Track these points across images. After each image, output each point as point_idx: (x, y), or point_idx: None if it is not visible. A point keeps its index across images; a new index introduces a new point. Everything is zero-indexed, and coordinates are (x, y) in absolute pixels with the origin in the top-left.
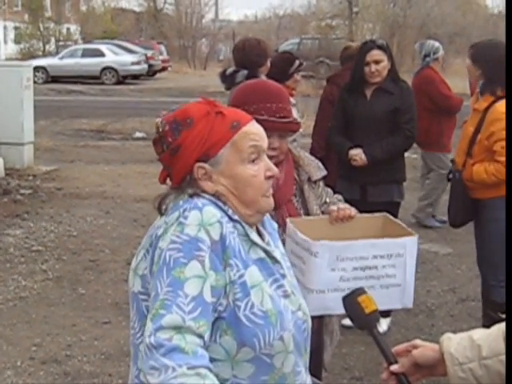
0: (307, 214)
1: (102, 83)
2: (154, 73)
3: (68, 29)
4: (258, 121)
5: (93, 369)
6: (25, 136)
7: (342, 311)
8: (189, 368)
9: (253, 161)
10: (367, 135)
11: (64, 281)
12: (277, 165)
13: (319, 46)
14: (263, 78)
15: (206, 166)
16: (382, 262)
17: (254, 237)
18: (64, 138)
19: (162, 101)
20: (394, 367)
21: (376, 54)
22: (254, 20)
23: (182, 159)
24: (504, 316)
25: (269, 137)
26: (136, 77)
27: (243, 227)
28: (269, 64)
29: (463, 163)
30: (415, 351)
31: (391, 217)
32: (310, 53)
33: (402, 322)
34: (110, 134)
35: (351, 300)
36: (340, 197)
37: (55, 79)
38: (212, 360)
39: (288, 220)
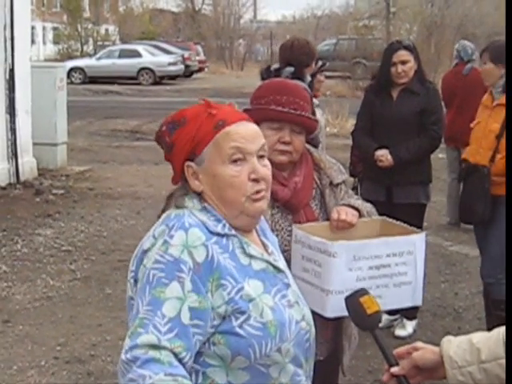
0: (327, 218)
1: (139, 84)
2: (191, 73)
3: (106, 29)
4: (262, 111)
5: (116, 369)
6: (58, 136)
7: None
8: (166, 374)
9: (235, 161)
10: (393, 136)
11: (92, 281)
12: (291, 163)
13: (356, 47)
14: (308, 78)
15: (192, 164)
16: (395, 260)
17: (252, 250)
18: (99, 138)
19: (197, 101)
20: (394, 369)
21: (402, 54)
22: (291, 20)
23: (175, 157)
24: None
25: (280, 129)
26: (173, 77)
27: (240, 241)
28: (313, 66)
29: (490, 159)
30: (416, 353)
31: (390, 219)
32: (346, 53)
33: (429, 324)
34: (144, 135)
35: (353, 301)
36: (359, 200)
37: (92, 80)
38: (207, 365)
39: (294, 227)
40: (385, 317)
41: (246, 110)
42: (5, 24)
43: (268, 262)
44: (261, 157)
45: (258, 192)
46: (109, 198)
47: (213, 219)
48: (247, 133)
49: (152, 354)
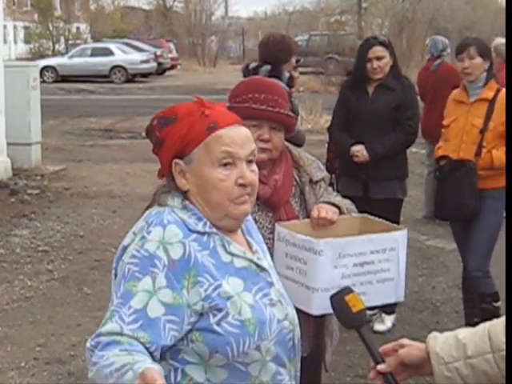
0: (307, 215)
1: (112, 82)
2: (164, 71)
3: (78, 28)
4: (241, 109)
5: None
6: (32, 136)
7: None
8: (121, 350)
9: (224, 165)
10: (369, 131)
11: (70, 281)
12: (271, 161)
13: (328, 42)
14: (286, 74)
15: (181, 162)
16: (378, 257)
17: (233, 249)
18: (72, 137)
19: (171, 98)
20: (380, 366)
21: (378, 50)
22: (263, 17)
23: (163, 153)
24: (498, 304)
25: (258, 127)
26: (145, 75)
27: (221, 239)
28: (293, 61)
29: (475, 153)
30: (402, 350)
31: (370, 216)
32: (318, 49)
33: (407, 318)
34: (118, 133)
35: (338, 299)
36: (338, 197)
37: (65, 78)
38: (186, 362)
39: (277, 225)
40: None
41: None
42: None
43: (250, 260)
44: (249, 161)
45: (241, 197)
46: (84, 197)
47: (194, 218)
48: (239, 137)
49: (113, 338)
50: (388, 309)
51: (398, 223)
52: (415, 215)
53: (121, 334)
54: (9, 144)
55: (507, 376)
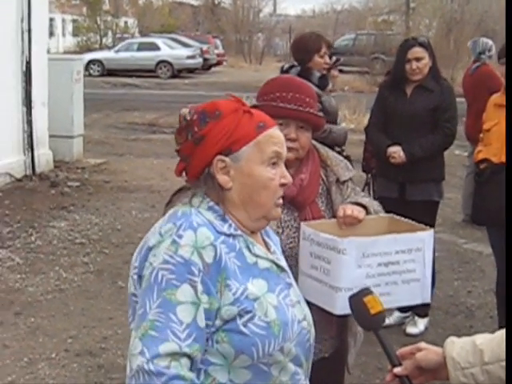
0: (333, 216)
1: (157, 77)
2: (209, 67)
3: (125, 22)
4: (268, 107)
5: (126, 362)
6: (74, 129)
7: None
8: None
9: (272, 164)
10: (407, 133)
11: (104, 274)
12: (297, 160)
13: (374, 42)
14: (317, 74)
15: (226, 159)
16: (404, 257)
17: (257, 250)
18: (116, 131)
19: (215, 95)
20: (397, 369)
21: (417, 51)
22: (311, 15)
23: (204, 150)
24: None
25: (285, 126)
26: (191, 71)
27: (246, 241)
28: (318, 59)
29: None
30: (419, 354)
31: (397, 216)
32: (364, 48)
33: (440, 322)
34: (161, 128)
35: (357, 300)
36: (366, 197)
37: (111, 72)
38: (209, 363)
39: (302, 224)
40: (396, 314)
41: (253, 107)
42: (22, 16)
43: (272, 261)
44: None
45: (280, 198)
46: (124, 190)
47: (219, 219)
48: (282, 138)
49: (175, 369)
50: (421, 311)
51: (433, 226)
52: (454, 218)
53: (179, 353)
54: (51, 136)
55: (507, 376)
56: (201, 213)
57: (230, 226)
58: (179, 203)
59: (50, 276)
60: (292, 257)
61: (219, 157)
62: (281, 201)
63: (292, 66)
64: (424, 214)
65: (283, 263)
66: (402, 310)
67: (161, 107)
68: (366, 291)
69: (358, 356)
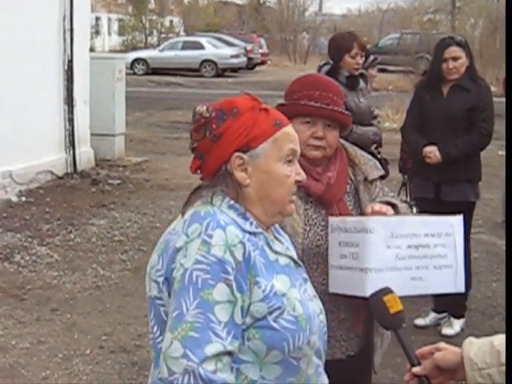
0: (361, 214)
1: (201, 76)
2: (254, 66)
3: (171, 21)
4: (295, 106)
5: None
6: (116, 127)
7: (400, 293)
8: None
9: (288, 161)
10: (443, 133)
11: (141, 271)
12: (325, 158)
13: (419, 41)
14: (345, 73)
15: (244, 156)
16: (434, 241)
17: (277, 247)
18: (158, 129)
19: (259, 94)
20: (416, 369)
21: (454, 50)
22: (357, 14)
23: (222, 147)
24: None
25: (312, 124)
26: (235, 70)
27: (266, 238)
28: (348, 59)
29: None
30: (437, 354)
31: (427, 216)
32: (409, 48)
33: (477, 323)
34: None
35: (376, 299)
36: (396, 198)
37: (155, 71)
38: (241, 361)
39: (330, 218)
40: (432, 315)
41: (279, 105)
42: (64, 15)
43: (291, 257)
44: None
45: (293, 194)
46: (164, 189)
47: (240, 217)
48: (297, 136)
49: (222, 374)
50: (457, 312)
51: (469, 227)
52: (495, 219)
53: (224, 352)
54: (93, 135)
55: (507, 376)
56: (223, 212)
57: (252, 223)
58: (199, 202)
59: (88, 273)
60: (319, 254)
61: (237, 154)
62: (294, 197)
63: (325, 64)
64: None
65: (298, 259)
66: (437, 310)
67: None
68: (385, 290)
69: (392, 356)
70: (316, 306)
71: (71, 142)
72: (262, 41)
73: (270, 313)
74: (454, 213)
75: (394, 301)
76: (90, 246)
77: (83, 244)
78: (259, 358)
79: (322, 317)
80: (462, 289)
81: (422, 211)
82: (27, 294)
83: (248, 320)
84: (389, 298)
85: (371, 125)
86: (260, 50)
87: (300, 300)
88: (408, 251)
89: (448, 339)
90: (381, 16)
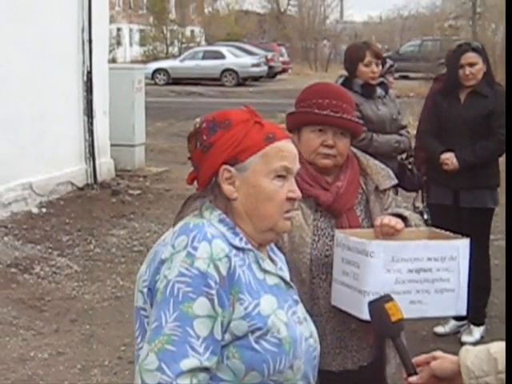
0: (372, 225)
1: (222, 85)
2: (275, 75)
3: (192, 31)
4: (305, 114)
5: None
6: (136, 138)
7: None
8: None
9: (279, 176)
10: (460, 139)
11: None
12: (336, 167)
13: (440, 48)
14: (358, 82)
15: (232, 169)
16: (436, 265)
17: (266, 265)
18: (179, 139)
19: (280, 102)
20: (412, 378)
21: (471, 56)
22: (378, 21)
23: (211, 158)
24: None
25: (323, 133)
26: (256, 79)
27: (255, 255)
28: (362, 68)
29: None
30: (434, 363)
31: (437, 230)
32: (430, 54)
33: (497, 330)
34: None
35: (378, 306)
36: (408, 209)
37: (176, 81)
38: (219, 380)
39: (336, 231)
40: (452, 322)
41: (290, 114)
42: (83, 27)
43: (281, 277)
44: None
45: (289, 211)
46: (184, 199)
47: (230, 232)
48: (293, 152)
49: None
50: (477, 320)
51: (487, 233)
52: None
53: (200, 368)
54: (113, 145)
55: (507, 375)
56: (213, 225)
57: (241, 239)
58: (190, 213)
59: (107, 284)
60: (328, 264)
61: (225, 166)
62: (290, 214)
63: (341, 76)
64: (478, 221)
65: (289, 280)
66: (457, 318)
67: None
68: (386, 297)
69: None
70: (305, 330)
71: (91, 152)
72: (283, 49)
73: (252, 332)
74: (472, 219)
75: (396, 308)
76: (110, 257)
77: (103, 255)
78: (237, 378)
79: (312, 341)
80: (463, 312)
81: (440, 218)
82: (46, 306)
83: (228, 337)
84: (390, 306)
85: (397, 133)
86: (281, 59)
87: (286, 322)
88: (408, 275)
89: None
90: (402, 23)
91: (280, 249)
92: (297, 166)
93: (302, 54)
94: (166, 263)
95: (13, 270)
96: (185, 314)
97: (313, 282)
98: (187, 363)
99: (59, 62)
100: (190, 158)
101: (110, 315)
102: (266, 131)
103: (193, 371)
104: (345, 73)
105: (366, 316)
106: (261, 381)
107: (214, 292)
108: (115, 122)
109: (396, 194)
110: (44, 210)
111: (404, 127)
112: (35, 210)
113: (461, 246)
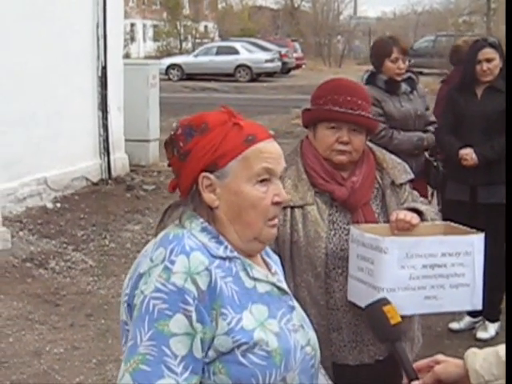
0: (387, 219)
1: (236, 81)
2: (288, 70)
3: (205, 26)
4: (320, 111)
5: None
6: (150, 133)
7: (413, 311)
8: None
9: (262, 181)
10: (477, 135)
11: None
12: (351, 163)
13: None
14: (382, 77)
15: (211, 176)
16: (451, 260)
17: (256, 273)
18: None
19: (294, 98)
20: (415, 383)
21: (488, 52)
22: (392, 17)
23: (189, 166)
24: None
25: (338, 129)
26: (270, 74)
27: (243, 263)
28: (389, 64)
29: None
30: (438, 367)
31: (454, 224)
32: (444, 50)
33: None
34: None
35: (376, 309)
36: (425, 204)
37: (190, 77)
38: None
39: (351, 226)
40: (467, 319)
41: (305, 110)
42: (98, 22)
43: (273, 284)
44: (279, 178)
45: (274, 218)
46: None
47: (214, 241)
48: (276, 152)
49: None
50: (492, 316)
51: (503, 229)
52: None
53: None
54: (127, 141)
55: (507, 375)
56: (194, 235)
57: (226, 248)
58: (171, 223)
59: (122, 278)
60: (344, 258)
61: (204, 174)
62: (275, 221)
63: (367, 71)
64: (495, 217)
65: (284, 285)
66: (472, 314)
67: (239, 111)
68: (383, 301)
69: None
70: (301, 338)
71: (106, 148)
72: (297, 45)
73: (238, 347)
74: (488, 215)
75: (394, 312)
76: (125, 252)
77: (117, 249)
78: None
79: (309, 349)
80: (478, 307)
81: (458, 214)
82: (62, 300)
83: (212, 353)
84: (388, 309)
85: (423, 129)
86: (294, 54)
87: (277, 332)
88: (423, 271)
89: (483, 343)
90: (416, 18)
91: (280, 249)
92: (281, 167)
93: (316, 49)
94: (143, 277)
95: (28, 264)
96: (160, 332)
97: (329, 275)
98: (162, 383)
99: (74, 58)
100: (169, 165)
101: None
102: (245, 133)
103: None
104: (367, 70)
105: None
106: None
107: (191, 308)
108: (130, 118)
109: (426, 190)
110: (59, 205)
111: (433, 123)
112: (50, 205)
113: (476, 241)
